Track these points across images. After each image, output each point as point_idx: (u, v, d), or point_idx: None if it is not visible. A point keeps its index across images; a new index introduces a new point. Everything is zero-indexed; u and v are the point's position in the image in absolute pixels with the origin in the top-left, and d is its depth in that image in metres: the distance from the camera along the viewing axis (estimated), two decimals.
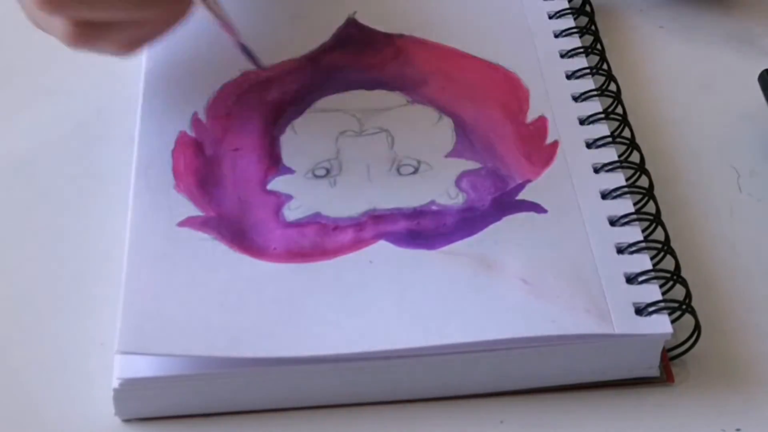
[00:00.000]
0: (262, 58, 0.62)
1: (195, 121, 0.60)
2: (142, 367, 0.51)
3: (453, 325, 0.52)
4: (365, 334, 0.51)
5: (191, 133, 0.60)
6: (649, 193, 0.57)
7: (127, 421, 0.52)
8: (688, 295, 0.53)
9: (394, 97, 0.62)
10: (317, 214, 0.56)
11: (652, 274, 0.54)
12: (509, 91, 0.62)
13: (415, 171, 0.58)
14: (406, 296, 0.53)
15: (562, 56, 0.64)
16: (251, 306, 0.52)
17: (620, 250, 0.55)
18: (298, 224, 0.56)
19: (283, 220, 0.56)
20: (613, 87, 0.62)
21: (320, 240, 0.55)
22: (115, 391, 0.51)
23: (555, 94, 0.62)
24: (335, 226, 0.56)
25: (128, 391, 0.51)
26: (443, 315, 0.52)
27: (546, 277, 0.53)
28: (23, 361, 0.54)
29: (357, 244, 0.55)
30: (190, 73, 0.63)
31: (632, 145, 0.59)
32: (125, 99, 0.58)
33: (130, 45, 0.57)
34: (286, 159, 0.59)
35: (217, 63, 0.63)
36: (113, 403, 0.51)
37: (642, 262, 0.54)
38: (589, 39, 0.66)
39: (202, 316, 0.52)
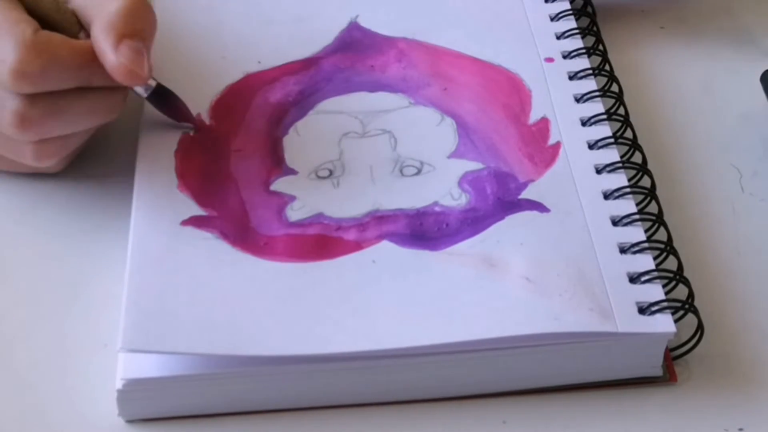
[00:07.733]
0: (265, 59, 0.63)
1: (198, 121, 0.61)
2: (146, 367, 0.51)
3: (456, 324, 0.52)
4: (368, 333, 0.51)
5: (194, 134, 0.60)
6: (651, 193, 0.57)
7: (131, 421, 0.52)
8: (691, 294, 0.54)
9: (397, 99, 0.62)
10: (320, 215, 0.56)
11: (655, 273, 0.54)
12: (511, 92, 0.62)
13: (418, 172, 0.58)
14: (409, 295, 0.53)
15: (564, 57, 0.64)
16: (254, 304, 0.52)
17: (623, 250, 0.55)
18: (300, 224, 0.56)
19: (285, 220, 0.56)
20: (615, 88, 0.62)
21: (323, 240, 0.55)
22: (119, 391, 0.51)
23: (557, 96, 0.62)
24: (338, 226, 0.56)
25: (132, 391, 0.51)
26: (446, 314, 0.52)
27: (549, 276, 0.53)
28: (26, 362, 0.54)
29: (360, 243, 0.55)
30: (193, 73, 0.63)
31: (634, 145, 0.59)
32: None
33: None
34: (289, 160, 0.59)
35: (221, 64, 0.63)
36: (116, 404, 0.51)
37: (645, 261, 0.54)
38: (591, 40, 0.66)
39: (205, 315, 0.52)
